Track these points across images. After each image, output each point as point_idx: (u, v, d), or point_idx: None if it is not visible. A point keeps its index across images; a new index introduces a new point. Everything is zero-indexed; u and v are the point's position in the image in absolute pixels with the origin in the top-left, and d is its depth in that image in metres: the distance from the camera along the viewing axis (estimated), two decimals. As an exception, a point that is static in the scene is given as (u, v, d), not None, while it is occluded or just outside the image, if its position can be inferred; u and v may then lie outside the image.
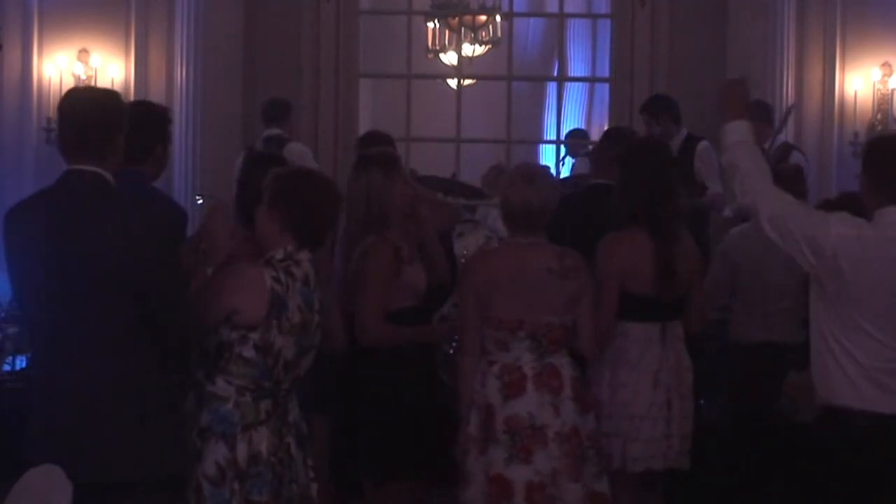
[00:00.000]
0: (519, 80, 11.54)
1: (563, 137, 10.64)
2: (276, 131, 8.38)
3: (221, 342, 3.72)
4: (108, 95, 3.81)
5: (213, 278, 3.78)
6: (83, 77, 8.61)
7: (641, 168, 4.69)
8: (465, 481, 4.41)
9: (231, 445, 3.68)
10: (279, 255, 3.77)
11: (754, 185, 3.84)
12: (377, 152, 5.00)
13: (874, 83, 8.67)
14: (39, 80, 8.64)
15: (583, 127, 12.22)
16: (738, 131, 3.89)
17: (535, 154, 12.48)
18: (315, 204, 3.82)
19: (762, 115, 7.45)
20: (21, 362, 6.99)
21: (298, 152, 7.81)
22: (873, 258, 3.71)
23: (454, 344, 5.95)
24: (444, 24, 12.73)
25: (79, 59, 8.64)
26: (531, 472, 4.29)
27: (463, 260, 5.80)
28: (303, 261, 3.80)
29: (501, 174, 11.08)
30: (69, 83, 8.51)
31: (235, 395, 3.72)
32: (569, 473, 4.29)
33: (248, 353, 3.69)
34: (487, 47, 12.68)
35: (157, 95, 8.03)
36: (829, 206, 4.99)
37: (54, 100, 8.54)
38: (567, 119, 11.93)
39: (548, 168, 5.66)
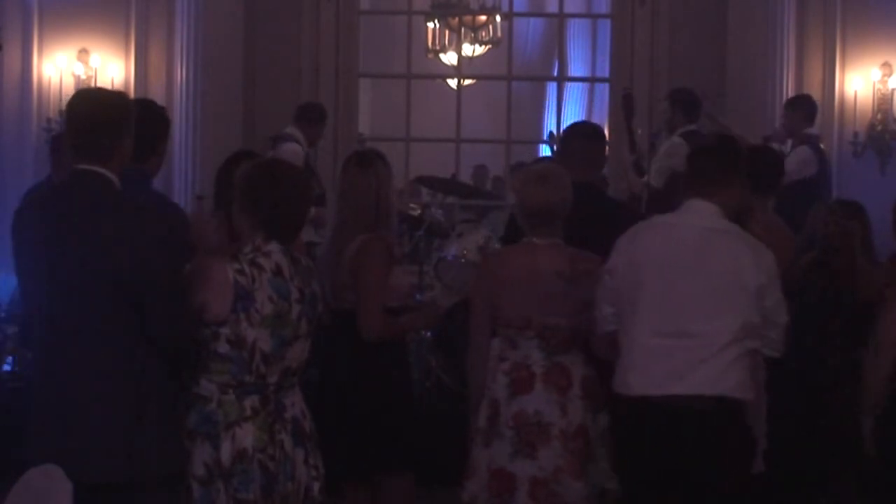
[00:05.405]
0: (519, 80, 11.56)
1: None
2: (289, 131, 8.37)
3: (197, 341, 3.69)
4: (117, 96, 3.79)
5: (187, 276, 3.75)
6: (83, 77, 8.61)
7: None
8: (468, 475, 4.43)
9: (215, 444, 3.66)
10: (247, 248, 3.74)
11: None
12: (375, 149, 5.01)
13: (874, 83, 8.68)
14: (39, 80, 8.65)
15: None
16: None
17: (535, 154, 12.48)
18: (281, 199, 3.77)
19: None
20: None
21: (287, 153, 7.79)
22: (659, 237, 3.98)
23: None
24: (444, 24, 12.75)
25: (79, 59, 8.65)
26: (535, 467, 4.30)
27: (463, 260, 5.77)
28: (273, 252, 3.73)
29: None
30: (69, 83, 8.53)
31: (218, 394, 3.68)
32: (572, 472, 4.29)
33: (223, 348, 3.65)
34: (487, 47, 12.70)
35: (157, 95, 8.02)
36: None
37: (54, 100, 8.56)
38: (567, 119, 11.93)
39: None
